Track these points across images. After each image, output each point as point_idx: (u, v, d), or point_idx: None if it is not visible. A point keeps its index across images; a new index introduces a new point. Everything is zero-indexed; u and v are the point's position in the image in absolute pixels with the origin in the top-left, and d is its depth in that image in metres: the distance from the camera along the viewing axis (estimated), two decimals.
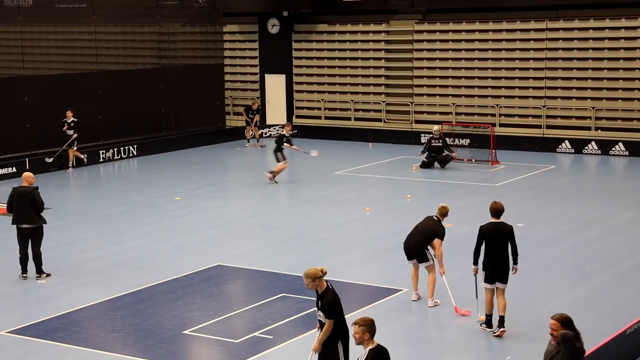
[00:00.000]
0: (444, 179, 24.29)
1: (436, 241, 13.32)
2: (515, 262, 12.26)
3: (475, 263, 12.39)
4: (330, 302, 9.36)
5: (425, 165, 25.69)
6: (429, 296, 13.50)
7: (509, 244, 12.18)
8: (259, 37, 33.92)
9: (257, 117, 30.94)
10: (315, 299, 9.62)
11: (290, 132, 24.23)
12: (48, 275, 15.23)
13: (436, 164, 25.79)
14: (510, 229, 12.23)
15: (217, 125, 32.13)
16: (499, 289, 12.25)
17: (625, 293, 14.02)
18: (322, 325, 9.48)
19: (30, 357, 11.89)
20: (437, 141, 25.83)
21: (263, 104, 33.62)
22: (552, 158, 27.32)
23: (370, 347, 8.06)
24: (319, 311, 9.49)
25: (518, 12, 29.45)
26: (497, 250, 12.20)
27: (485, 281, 12.37)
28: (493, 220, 12.29)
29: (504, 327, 12.17)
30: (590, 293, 14.08)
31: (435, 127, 26.16)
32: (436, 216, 13.47)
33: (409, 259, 13.64)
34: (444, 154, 25.77)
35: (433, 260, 13.44)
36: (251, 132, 30.63)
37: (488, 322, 12.44)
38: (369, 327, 8.06)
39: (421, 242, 13.44)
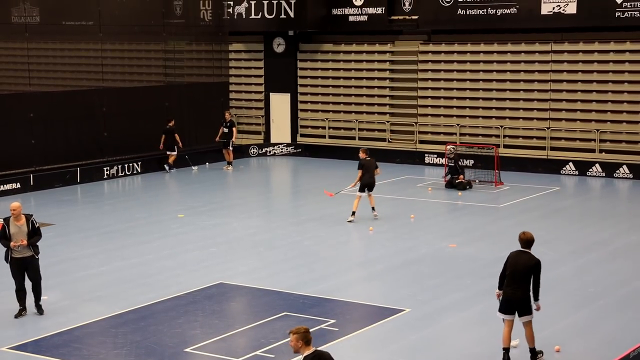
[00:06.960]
0: (447, 199, 24.28)
1: None
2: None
3: None
4: None
5: (448, 185, 25.56)
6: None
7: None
8: (265, 56, 34.03)
9: (234, 133, 29.67)
10: None
11: None
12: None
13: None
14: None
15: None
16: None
17: (629, 316, 13.96)
18: None
19: None
20: (450, 161, 25.80)
21: (268, 123, 33.70)
22: (556, 180, 27.29)
23: (306, 353, 8.47)
24: None
25: (523, 34, 29.51)
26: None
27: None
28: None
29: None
30: (594, 316, 14.02)
31: (448, 147, 26.13)
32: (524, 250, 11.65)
33: (508, 312, 11.62)
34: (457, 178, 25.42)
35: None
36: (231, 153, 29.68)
37: None
38: (301, 335, 8.47)
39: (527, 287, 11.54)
